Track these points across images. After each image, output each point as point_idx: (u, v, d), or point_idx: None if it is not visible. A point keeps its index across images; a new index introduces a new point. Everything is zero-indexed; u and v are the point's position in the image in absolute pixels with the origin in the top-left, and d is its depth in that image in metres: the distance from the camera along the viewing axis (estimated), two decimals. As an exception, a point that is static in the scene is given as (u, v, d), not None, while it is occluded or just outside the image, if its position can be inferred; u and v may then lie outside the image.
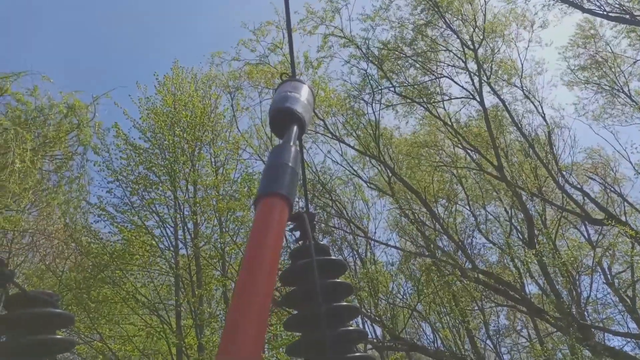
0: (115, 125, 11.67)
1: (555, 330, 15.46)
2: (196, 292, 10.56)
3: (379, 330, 12.08)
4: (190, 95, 12.55)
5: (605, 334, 14.11)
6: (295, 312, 1.77)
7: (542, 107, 13.09)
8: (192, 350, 10.19)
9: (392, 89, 12.39)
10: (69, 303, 9.72)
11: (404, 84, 12.66)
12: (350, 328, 1.66)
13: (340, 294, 1.69)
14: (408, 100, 12.79)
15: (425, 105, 12.55)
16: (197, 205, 11.53)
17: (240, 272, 0.82)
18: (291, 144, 1.14)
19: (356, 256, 15.14)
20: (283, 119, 1.23)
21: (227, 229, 11.43)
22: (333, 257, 1.79)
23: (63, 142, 11.16)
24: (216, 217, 11.62)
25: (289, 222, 1.73)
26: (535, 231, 12.76)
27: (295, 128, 1.21)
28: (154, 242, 11.09)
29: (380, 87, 12.18)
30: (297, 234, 1.72)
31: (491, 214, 16.09)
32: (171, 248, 11.25)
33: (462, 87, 12.82)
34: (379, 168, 13.23)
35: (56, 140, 10.97)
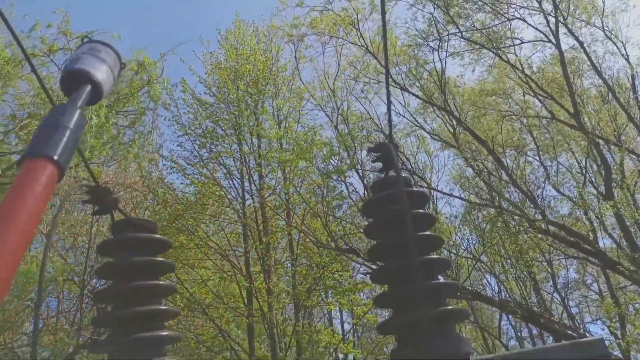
0: (182, 81, 12.07)
1: (629, 284, 14.82)
2: (263, 240, 11.02)
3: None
4: (252, 49, 12.63)
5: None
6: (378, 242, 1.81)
7: (625, 48, 12.00)
8: (262, 293, 10.75)
9: (458, 34, 11.77)
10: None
11: (472, 29, 11.99)
12: (435, 257, 1.68)
13: (424, 225, 1.71)
14: (476, 47, 12.12)
15: (494, 51, 11.83)
16: (262, 157, 11.84)
17: None
18: (77, 105, 1.04)
19: (419, 208, 15.01)
20: (74, 80, 1.13)
21: (290, 180, 11.70)
22: (416, 189, 1.80)
23: (135, 98, 11.67)
24: (280, 168, 11.90)
25: (372, 153, 1.76)
26: (612, 183, 12.06)
27: (87, 89, 1.11)
28: (222, 193, 11.60)
29: (447, 33, 11.59)
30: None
31: (562, 165, 15.35)
32: (238, 199, 11.73)
33: (536, 28, 11.94)
34: (443, 118, 12.83)
35: (129, 97, 11.49)
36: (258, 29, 13.18)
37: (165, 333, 1.60)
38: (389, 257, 1.69)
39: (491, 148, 11.66)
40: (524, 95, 13.94)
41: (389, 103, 1.80)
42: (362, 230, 11.95)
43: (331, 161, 10.65)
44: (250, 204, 11.80)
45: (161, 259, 1.70)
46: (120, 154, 12.98)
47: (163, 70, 11.54)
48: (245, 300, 11.09)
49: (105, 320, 1.58)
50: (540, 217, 10.76)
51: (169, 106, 12.05)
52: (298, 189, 11.47)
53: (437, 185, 15.94)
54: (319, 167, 11.08)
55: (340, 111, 11.95)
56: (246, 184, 11.87)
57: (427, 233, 1.66)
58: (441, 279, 1.76)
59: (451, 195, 13.85)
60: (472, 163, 13.17)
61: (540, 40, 12.09)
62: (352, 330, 16.79)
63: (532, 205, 11.86)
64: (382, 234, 1.72)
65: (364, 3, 11.82)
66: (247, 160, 11.90)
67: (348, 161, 10.77)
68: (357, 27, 11.47)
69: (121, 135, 12.32)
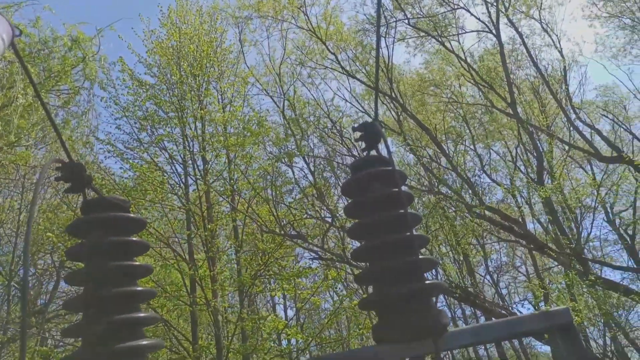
0: (120, 60, 11.45)
1: (554, 265, 15.95)
2: (208, 227, 10.78)
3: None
4: (195, 29, 12.21)
5: (603, 269, 14.56)
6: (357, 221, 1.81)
7: (559, 42, 12.71)
8: (206, 281, 10.55)
9: (405, 20, 11.96)
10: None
11: (418, 16, 12.22)
12: (417, 234, 1.71)
13: (407, 202, 1.73)
14: (422, 34, 12.39)
15: (439, 39, 12.15)
16: (206, 142, 11.52)
17: None
18: None
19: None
20: None
21: (237, 165, 11.49)
22: (397, 169, 1.82)
23: (68, 76, 10.96)
24: (225, 154, 11.65)
25: (357, 132, 1.75)
26: (544, 170, 12.85)
27: None
28: (164, 179, 11.19)
29: (395, 19, 11.72)
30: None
31: (496, 153, 16.16)
32: (181, 184, 11.37)
33: (478, 19, 12.37)
34: (389, 105, 13.06)
35: (62, 74, 10.77)
36: (202, 9, 12.75)
37: (142, 315, 1.54)
38: (371, 235, 1.70)
39: (434, 135, 12.05)
40: (460, 87, 14.47)
41: (377, 93, 1.80)
42: (310, 215, 11.91)
43: (281, 146, 10.57)
44: (194, 190, 11.48)
45: (136, 238, 1.62)
46: (52, 136, 12.19)
47: (100, 47, 10.89)
48: (189, 289, 10.84)
49: (80, 303, 1.49)
50: (478, 203, 11.28)
51: (106, 86, 11.42)
52: (245, 174, 11.30)
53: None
54: (268, 152, 10.97)
55: (286, 96, 11.85)
56: (190, 169, 11.53)
57: (411, 211, 1.69)
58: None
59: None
60: (415, 150, 13.54)
61: (482, 31, 12.56)
62: (295, 316, 16.92)
63: (470, 192, 12.41)
64: (363, 212, 1.73)
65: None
66: (191, 144, 11.54)
67: (295, 146, 10.74)
68: (304, 10, 11.39)
69: (52, 116, 11.57)
